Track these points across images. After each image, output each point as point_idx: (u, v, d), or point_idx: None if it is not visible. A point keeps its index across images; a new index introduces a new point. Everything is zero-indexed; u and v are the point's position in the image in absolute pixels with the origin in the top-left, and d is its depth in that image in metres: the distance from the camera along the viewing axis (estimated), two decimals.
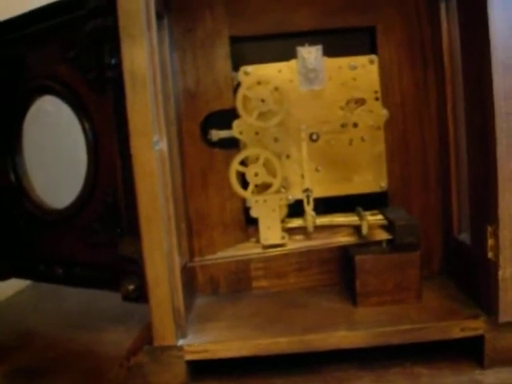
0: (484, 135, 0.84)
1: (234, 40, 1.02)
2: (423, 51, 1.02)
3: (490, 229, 0.84)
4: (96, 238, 1.07)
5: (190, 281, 1.01)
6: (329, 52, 1.00)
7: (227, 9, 1.01)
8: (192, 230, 1.05)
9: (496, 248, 0.84)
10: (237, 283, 1.07)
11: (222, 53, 1.03)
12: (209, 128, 1.02)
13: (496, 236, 0.83)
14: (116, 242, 1.00)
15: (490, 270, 0.85)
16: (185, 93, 1.03)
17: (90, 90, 1.04)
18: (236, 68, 1.02)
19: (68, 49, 1.05)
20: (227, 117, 0.99)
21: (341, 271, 1.05)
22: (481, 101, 0.84)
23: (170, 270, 0.84)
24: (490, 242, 0.85)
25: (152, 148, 0.81)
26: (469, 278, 0.94)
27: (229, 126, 0.98)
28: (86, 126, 1.07)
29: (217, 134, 1.00)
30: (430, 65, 1.02)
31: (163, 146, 0.84)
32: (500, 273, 0.83)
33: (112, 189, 1.02)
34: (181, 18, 1.01)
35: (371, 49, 1.03)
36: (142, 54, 0.80)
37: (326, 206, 1.03)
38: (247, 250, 0.99)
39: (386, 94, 1.02)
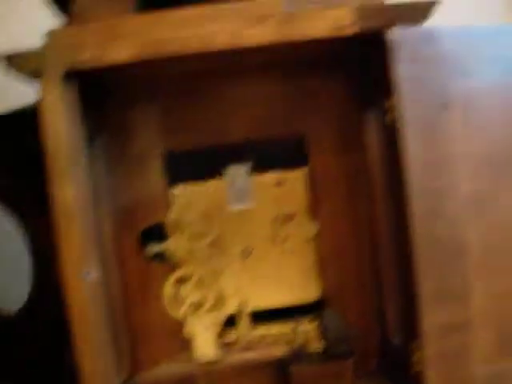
0: (401, 255, 0.90)
1: (169, 155, 1.05)
2: (354, 160, 1.05)
3: (415, 344, 0.88)
4: None
5: None
6: (259, 166, 1.04)
7: (161, 125, 1.05)
8: (136, 341, 1.06)
9: (422, 362, 0.87)
10: None
11: (156, 168, 1.04)
12: (147, 242, 1.02)
13: (420, 352, 0.86)
14: None
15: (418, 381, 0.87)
16: (123, 208, 1.04)
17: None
18: (173, 182, 1.05)
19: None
20: (165, 230, 1.02)
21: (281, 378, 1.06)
22: (399, 225, 0.89)
23: None
24: (415, 357, 0.89)
25: (83, 279, 0.84)
26: (403, 381, 0.95)
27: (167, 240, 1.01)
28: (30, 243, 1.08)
29: (154, 249, 1.02)
30: (362, 173, 1.04)
31: (95, 275, 0.87)
32: None
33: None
34: (114, 136, 1.04)
35: (302, 161, 1.06)
36: (71, 188, 0.84)
37: (265, 314, 1.06)
38: (187, 364, 1.02)
39: (317, 205, 1.06)
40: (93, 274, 0.86)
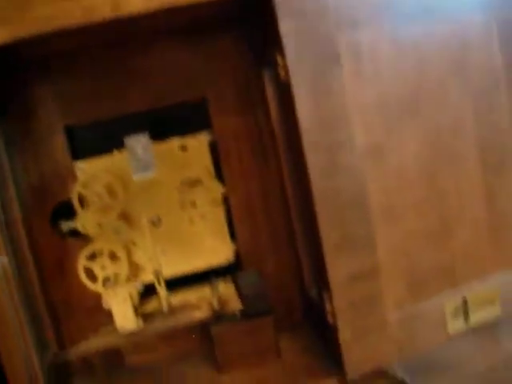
0: (306, 208, 0.89)
1: (71, 130, 1.03)
2: (256, 118, 1.05)
3: (325, 295, 0.89)
4: None
5: (62, 368, 1.03)
6: (161, 133, 1.03)
7: (60, 100, 1.02)
8: (59, 317, 1.05)
9: (333, 313, 0.88)
10: (110, 362, 1.08)
11: (59, 144, 1.02)
12: (59, 219, 1.01)
13: (331, 303, 0.87)
14: None
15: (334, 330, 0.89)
16: (31, 189, 1.02)
17: None
18: (77, 157, 1.03)
19: None
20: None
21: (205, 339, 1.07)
22: (300, 179, 0.89)
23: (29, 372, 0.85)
24: (328, 307, 0.90)
25: None
26: (324, 331, 0.98)
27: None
28: None
29: (67, 225, 1.00)
30: (265, 130, 1.04)
31: (4, 261, 0.86)
32: (340, 336, 0.88)
33: None
34: (14, 117, 1.01)
35: (205, 124, 1.05)
36: None
37: (181, 280, 1.06)
38: (113, 335, 1.02)
39: (223, 167, 1.06)
40: (2, 259, 0.85)
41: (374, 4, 0.86)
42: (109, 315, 1.05)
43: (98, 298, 1.04)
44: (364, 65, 0.86)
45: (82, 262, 0.96)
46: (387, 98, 0.87)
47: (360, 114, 0.86)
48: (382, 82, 0.87)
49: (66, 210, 1.02)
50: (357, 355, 0.89)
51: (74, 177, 1.02)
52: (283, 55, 0.82)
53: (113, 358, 1.08)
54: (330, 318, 0.90)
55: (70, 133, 1.03)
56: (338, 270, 0.87)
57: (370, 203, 0.88)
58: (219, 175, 1.05)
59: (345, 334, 0.88)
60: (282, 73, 0.84)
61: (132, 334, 1.01)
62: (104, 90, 1.03)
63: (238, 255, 1.08)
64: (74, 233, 1.02)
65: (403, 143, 0.89)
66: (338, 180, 0.85)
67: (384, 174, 0.88)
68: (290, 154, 0.97)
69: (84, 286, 1.03)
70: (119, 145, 1.02)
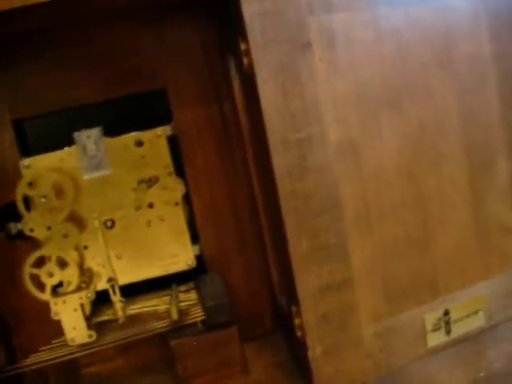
0: (275, 214, 0.81)
1: (19, 124, 0.94)
2: (221, 110, 0.97)
3: (294, 307, 0.81)
4: None
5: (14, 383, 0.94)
6: (115, 127, 0.93)
7: (6, 91, 0.93)
8: (9, 327, 0.97)
9: (302, 328, 0.81)
10: (66, 373, 1.00)
11: (5, 138, 0.93)
12: (7, 220, 0.91)
13: (300, 316, 0.80)
14: None
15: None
16: None
17: None
18: (25, 154, 0.94)
19: None
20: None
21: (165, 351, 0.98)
22: (266, 179, 0.80)
23: None
24: (297, 321, 0.82)
25: None
26: (293, 345, 0.91)
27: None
28: None
29: (15, 227, 0.91)
30: (231, 124, 0.96)
31: None
32: (309, 353, 0.81)
33: None
34: None
35: (164, 116, 0.96)
36: None
37: (139, 286, 0.98)
38: (66, 348, 0.93)
39: (185, 164, 0.97)
40: None
41: None
42: (60, 326, 0.94)
43: (48, 308, 0.94)
44: (338, 53, 0.78)
45: (27, 269, 0.87)
46: (363, 90, 0.79)
47: (333, 107, 0.78)
48: (358, 73, 0.79)
49: (15, 211, 0.91)
50: (328, 373, 0.82)
51: (21, 175, 0.92)
52: (247, 41, 0.73)
53: (68, 370, 1.01)
54: (298, 333, 0.82)
55: (19, 127, 0.94)
56: (307, 280, 0.79)
57: (344, 207, 0.80)
58: (180, 173, 0.95)
59: (315, 350, 0.81)
60: (245, 61, 0.75)
61: (86, 345, 0.92)
62: (54, 80, 0.93)
63: (201, 259, 0.99)
64: (23, 236, 0.92)
65: (381, 141, 0.81)
66: (307, 182, 0.77)
67: (359, 175, 0.80)
68: (254, 150, 0.87)
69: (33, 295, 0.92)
70: (70, 141, 0.93)
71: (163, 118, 0.96)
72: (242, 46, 0.75)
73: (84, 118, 0.95)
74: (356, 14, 0.78)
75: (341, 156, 0.78)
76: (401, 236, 0.84)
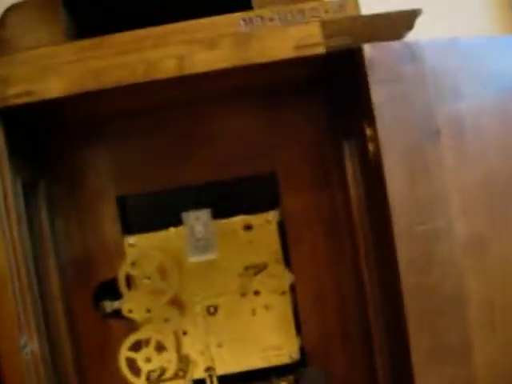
0: (390, 307, 0.77)
1: (123, 201, 0.94)
2: (332, 198, 0.94)
3: None
4: None
5: None
6: (224, 210, 0.92)
7: (112, 166, 0.93)
8: None
9: None
10: None
11: (109, 214, 0.92)
12: (103, 298, 0.90)
13: None
14: None
15: None
16: (73, 261, 0.93)
17: None
18: (128, 231, 0.92)
19: None
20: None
21: None
22: (386, 272, 0.76)
23: None
24: None
25: (19, 351, 0.71)
26: None
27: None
28: None
29: (111, 305, 0.89)
30: (341, 212, 0.93)
31: (34, 346, 0.74)
32: None
33: None
34: (61, 180, 0.93)
35: (273, 201, 0.93)
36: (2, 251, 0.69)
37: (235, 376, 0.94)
38: None
39: (292, 251, 0.93)
40: (31, 345, 0.73)
41: (478, 71, 0.75)
42: None
43: None
44: (466, 140, 0.73)
45: (124, 352, 0.83)
46: (492, 180, 0.75)
47: (461, 197, 0.73)
48: (487, 162, 0.75)
49: (111, 289, 0.90)
50: None
51: (122, 253, 0.91)
52: (374, 126, 0.71)
53: None
54: None
55: (122, 204, 0.92)
56: (425, 382, 0.72)
57: (469, 306, 0.73)
58: (286, 261, 0.91)
59: None
60: (370, 147, 0.71)
61: None
62: (161, 158, 0.94)
63: (302, 352, 0.94)
64: (118, 315, 0.89)
65: (509, 235, 0.73)
66: (433, 276, 0.72)
67: (485, 272, 0.75)
68: (372, 241, 0.82)
69: (123, 378, 0.89)
70: (176, 221, 0.91)
71: (272, 202, 0.94)
72: (368, 132, 0.72)
73: (189, 197, 0.93)
74: (484, 101, 0.75)
75: (467, 249, 0.73)
76: None
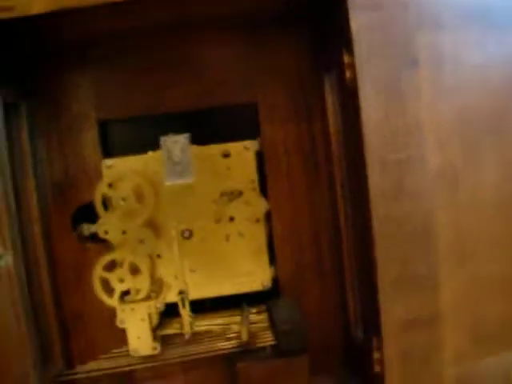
0: (362, 236, 0.77)
1: (104, 124, 0.94)
2: (311, 129, 0.94)
3: (374, 340, 0.77)
4: None
5: None
6: (203, 136, 0.91)
7: (95, 91, 0.93)
8: (69, 330, 0.95)
9: (382, 362, 0.75)
10: None
11: (90, 138, 0.91)
12: (81, 221, 0.90)
13: (381, 350, 0.74)
14: None
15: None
16: (52, 183, 0.93)
17: None
18: (108, 156, 0.93)
19: None
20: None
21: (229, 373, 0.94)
22: (359, 202, 0.76)
23: None
24: (376, 354, 0.77)
25: None
26: (367, 381, 0.84)
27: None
28: None
29: (88, 229, 0.89)
30: (320, 144, 0.93)
31: (8, 258, 0.76)
32: None
33: None
34: (44, 103, 0.92)
35: (251, 133, 0.94)
36: None
37: (207, 302, 0.96)
38: (126, 358, 0.91)
39: (269, 180, 0.94)
40: (5, 257, 0.75)
41: (462, 8, 0.74)
42: (123, 335, 0.91)
43: (113, 314, 0.91)
44: (445, 73, 0.73)
45: (98, 272, 0.84)
46: (468, 114, 0.75)
47: (435, 129, 0.73)
48: (464, 95, 0.74)
49: (90, 213, 0.89)
50: None
51: (102, 176, 0.91)
52: (351, 53, 0.70)
53: (124, 381, 0.95)
54: (376, 367, 0.77)
55: (103, 127, 0.93)
56: (392, 312, 0.74)
57: (437, 237, 0.74)
58: (263, 189, 0.92)
59: None
60: (348, 74, 0.72)
61: (147, 358, 0.89)
62: (144, 84, 0.93)
63: (275, 282, 0.95)
64: (95, 238, 0.90)
65: (482, 169, 0.75)
66: (403, 206, 0.73)
67: (456, 205, 0.75)
68: (347, 171, 0.83)
69: (99, 300, 0.90)
70: (156, 146, 0.91)
71: (251, 132, 0.94)
72: (346, 59, 0.72)
73: (170, 124, 0.93)
74: (466, 35, 0.74)
75: (438, 182, 0.73)
76: (495, 274, 0.78)
